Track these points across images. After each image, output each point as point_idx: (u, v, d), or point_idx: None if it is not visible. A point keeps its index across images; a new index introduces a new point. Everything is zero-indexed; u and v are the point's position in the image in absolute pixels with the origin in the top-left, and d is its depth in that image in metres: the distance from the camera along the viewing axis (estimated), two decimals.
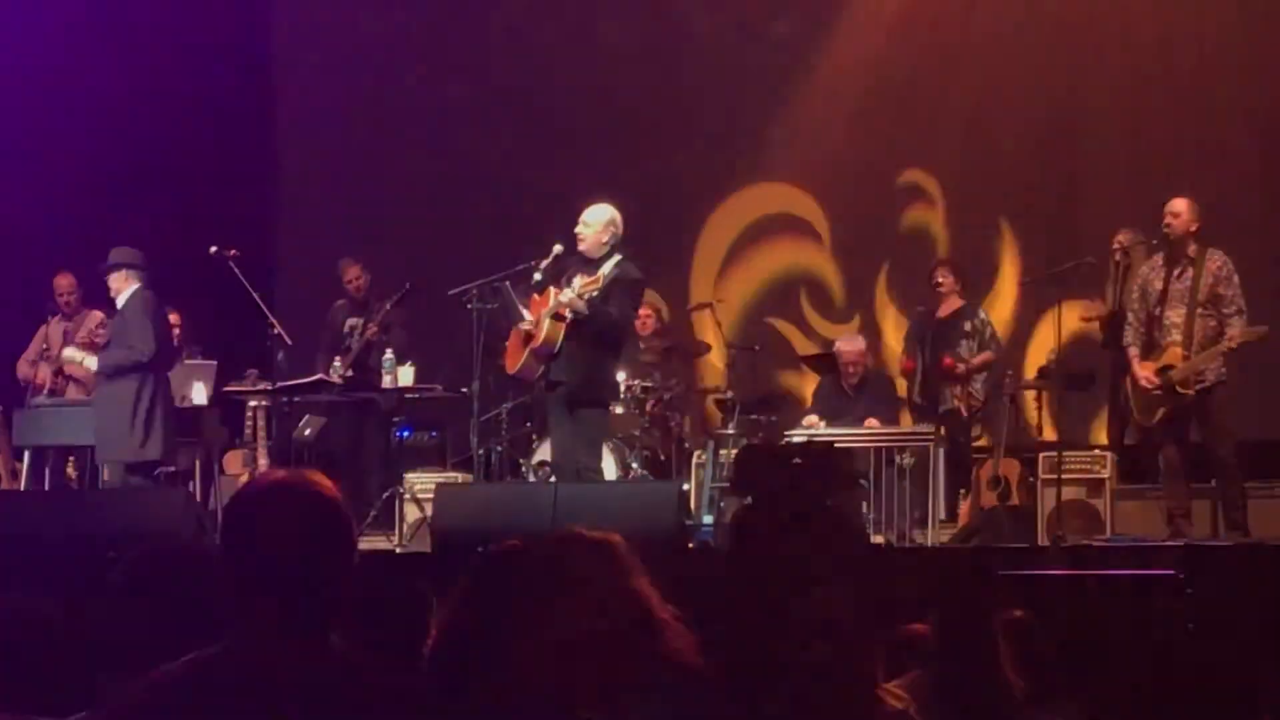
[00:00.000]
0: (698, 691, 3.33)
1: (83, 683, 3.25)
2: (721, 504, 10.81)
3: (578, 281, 9.18)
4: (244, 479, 11.10)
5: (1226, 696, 6.45)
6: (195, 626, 3.10)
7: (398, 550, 10.24)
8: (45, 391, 11.53)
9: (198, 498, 10.65)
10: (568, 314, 9.14)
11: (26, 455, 11.23)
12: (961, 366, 10.99)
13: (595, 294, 9.12)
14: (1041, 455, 10.46)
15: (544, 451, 10.72)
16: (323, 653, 2.64)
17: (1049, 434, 10.96)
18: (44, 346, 11.69)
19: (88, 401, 11.01)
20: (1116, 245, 10.90)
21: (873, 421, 11.05)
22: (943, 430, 10.82)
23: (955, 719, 3.98)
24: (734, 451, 10.55)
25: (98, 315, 11.67)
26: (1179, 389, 9.41)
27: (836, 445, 10.23)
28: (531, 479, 10.91)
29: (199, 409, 11.32)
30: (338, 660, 2.65)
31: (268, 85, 14.86)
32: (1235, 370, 9.65)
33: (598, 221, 9.33)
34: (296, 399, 11.24)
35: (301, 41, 15.00)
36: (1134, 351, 9.65)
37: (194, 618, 3.18)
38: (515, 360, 9.42)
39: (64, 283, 11.80)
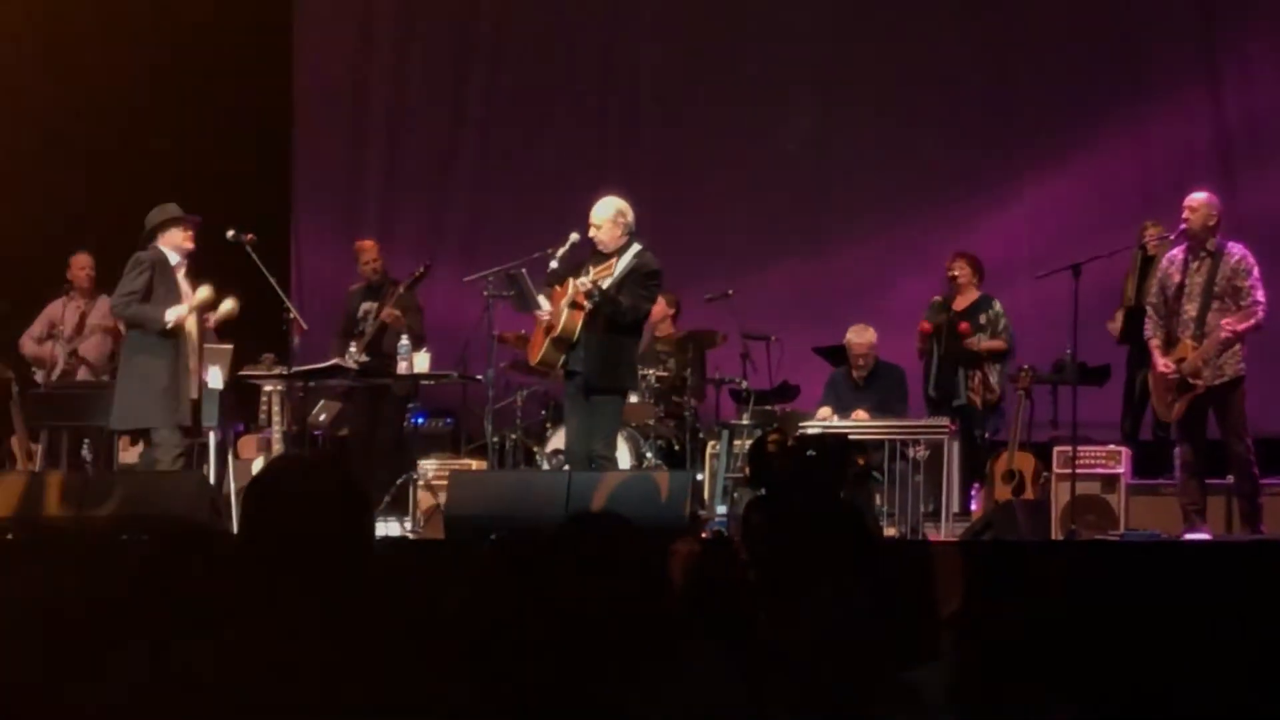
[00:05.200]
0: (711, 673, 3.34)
1: (96, 664, 3.25)
2: (735, 495, 10.81)
3: (592, 270, 9.23)
4: (258, 463, 11.13)
5: (1240, 693, 6.43)
6: (209, 609, 3.11)
7: (411, 536, 10.25)
8: (58, 373, 11.55)
9: (212, 481, 10.65)
10: (585, 303, 9.17)
11: (43, 436, 11.26)
12: (976, 339, 10.96)
13: (609, 281, 9.16)
14: (1056, 449, 10.44)
15: (558, 440, 10.73)
16: (342, 633, 2.64)
17: (1064, 428, 10.94)
18: (51, 324, 11.69)
19: (100, 384, 11.04)
20: (1143, 239, 10.90)
21: (860, 414, 11.03)
22: (956, 424, 10.82)
23: (975, 708, 3.98)
24: (748, 442, 10.55)
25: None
26: (1189, 380, 9.40)
27: (850, 438, 10.22)
28: (545, 467, 10.93)
29: (214, 393, 11.31)
30: (357, 641, 2.65)
31: (286, 66, 14.85)
32: (1255, 365, 9.64)
33: (605, 218, 9.35)
34: (312, 384, 11.24)
35: (320, 24, 14.99)
36: (1155, 344, 9.62)
37: (208, 600, 3.18)
38: (536, 351, 9.45)
39: (83, 259, 11.83)
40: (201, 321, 9.76)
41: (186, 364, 9.64)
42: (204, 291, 9.74)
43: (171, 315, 9.57)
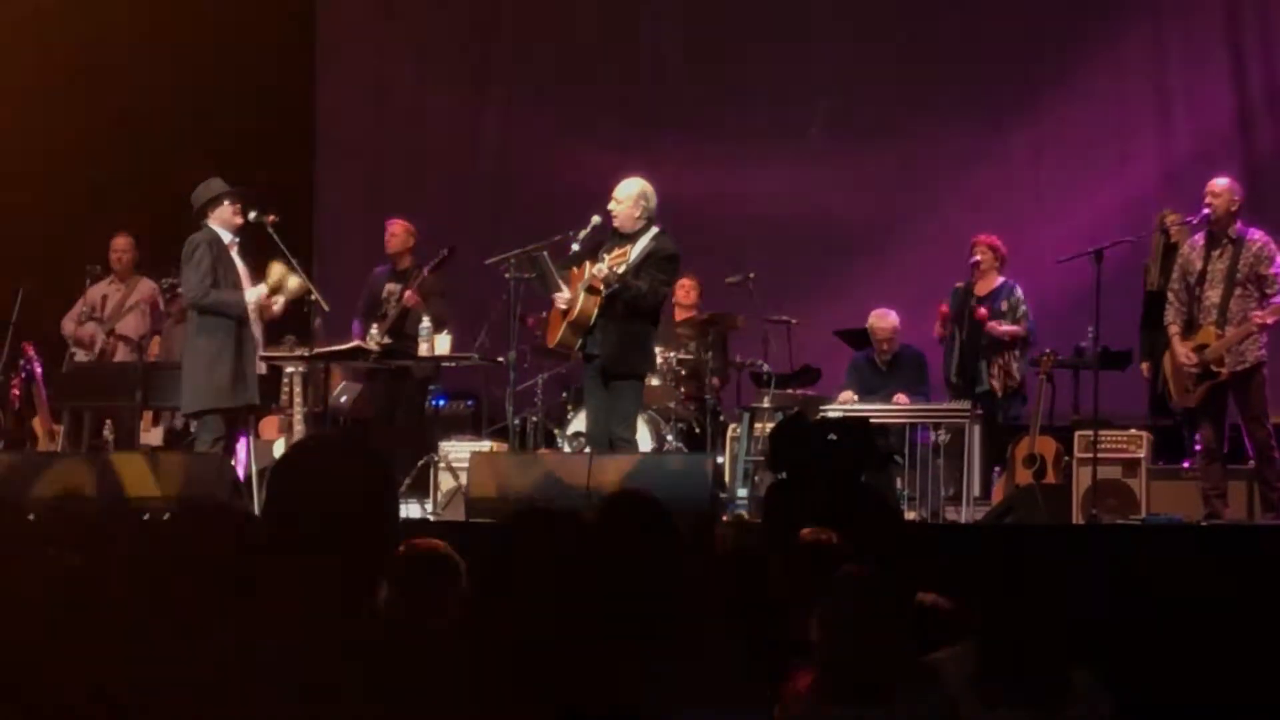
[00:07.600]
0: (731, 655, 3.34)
1: (116, 643, 3.26)
2: (756, 478, 10.81)
3: (610, 254, 9.23)
4: (280, 445, 11.14)
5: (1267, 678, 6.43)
6: (229, 588, 3.12)
7: (432, 518, 10.27)
8: (96, 352, 11.57)
9: (232, 462, 10.67)
10: (601, 287, 9.17)
11: (65, 417, 11.28)
12: (993, 324, 10.94)
13: (626, 266, 9.16)
14: (1077, 434, 10.43)
15: (579, 422, 10.74)
16: (363, 612, 2.64)
17: (1085, 413, 10.91)
18: (92, 307, 11.72)
19: (122, 364, 11.04)
20: (1161, 224, 10.87)
21: (901, 398, 11.05)
22: (979, 410, 10.80)
23: (1002, 691, 3.98)
24: (769, 425, 10.54)
25: (152, 284, 11.69)
26: (1212, 367, 9.38)
27: (872, 421, 10.21)
28: (566, 449, 10.94)
29: None
30: (378, 619, 2.65)
31: (310, 47, 14.87)
32: (1276, 350, 9.61)
33: (628, 197, 9.36)
34: (333, 365, 11.24)
35: (344, 4, 15.00)
36: (1175, 330, 9.61)
37: (228, 579, 3.20)
38: (554, 334, 9.46)
39: (121, 242, 11.82)
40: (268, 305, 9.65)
41: (252, 341, 9.57)
42: (278, 271, 9.62)
43: (252, 297, 9.46)
